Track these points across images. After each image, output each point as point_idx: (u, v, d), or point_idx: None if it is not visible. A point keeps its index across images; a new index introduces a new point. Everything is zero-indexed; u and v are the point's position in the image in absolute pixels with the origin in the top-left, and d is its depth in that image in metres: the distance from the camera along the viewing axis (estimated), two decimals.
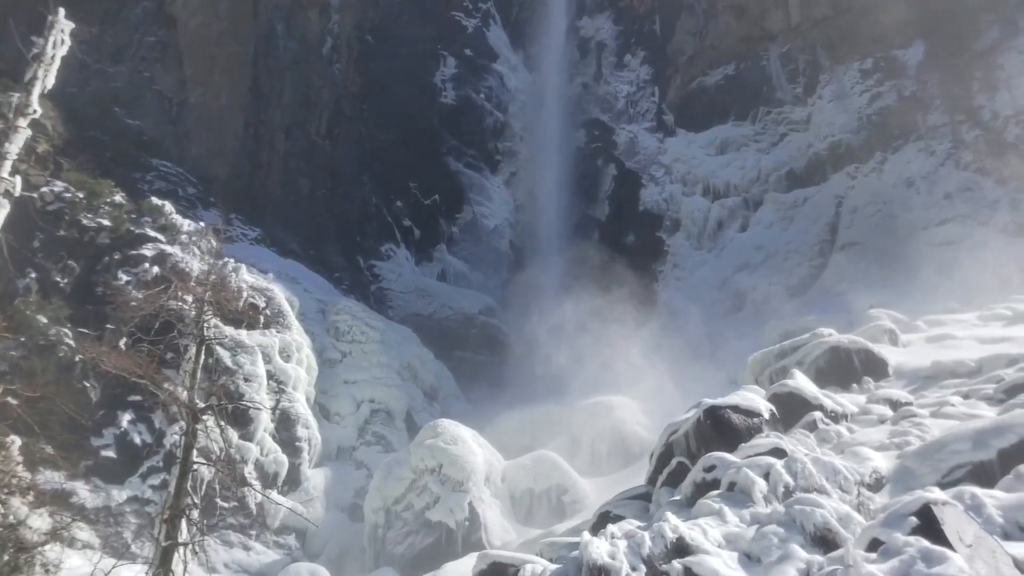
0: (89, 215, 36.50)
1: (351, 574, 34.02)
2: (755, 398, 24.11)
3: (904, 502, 9.98)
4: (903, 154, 58.51)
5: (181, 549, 11.62)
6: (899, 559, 7.78)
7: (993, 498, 11.86)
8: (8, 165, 11.17)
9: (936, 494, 10.11)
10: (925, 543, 8.05)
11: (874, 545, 9.29)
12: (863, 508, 16.13)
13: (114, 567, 10.87)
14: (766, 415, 23.09)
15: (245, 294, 38.55)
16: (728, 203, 65.03)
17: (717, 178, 66.25)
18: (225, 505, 33.44)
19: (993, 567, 8.61)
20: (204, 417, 12.81)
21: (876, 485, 17.59)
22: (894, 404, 24.72)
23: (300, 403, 39.46)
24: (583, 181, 70.14)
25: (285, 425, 38.00)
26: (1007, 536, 10.62)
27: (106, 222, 36.65)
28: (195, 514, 12.85)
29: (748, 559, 15.15)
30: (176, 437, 29.95)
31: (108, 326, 32.01)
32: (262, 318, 39.04)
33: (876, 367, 29.66)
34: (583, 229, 68.10)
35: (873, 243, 54.73)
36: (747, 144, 67.20)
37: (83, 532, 27.48)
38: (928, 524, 9.02)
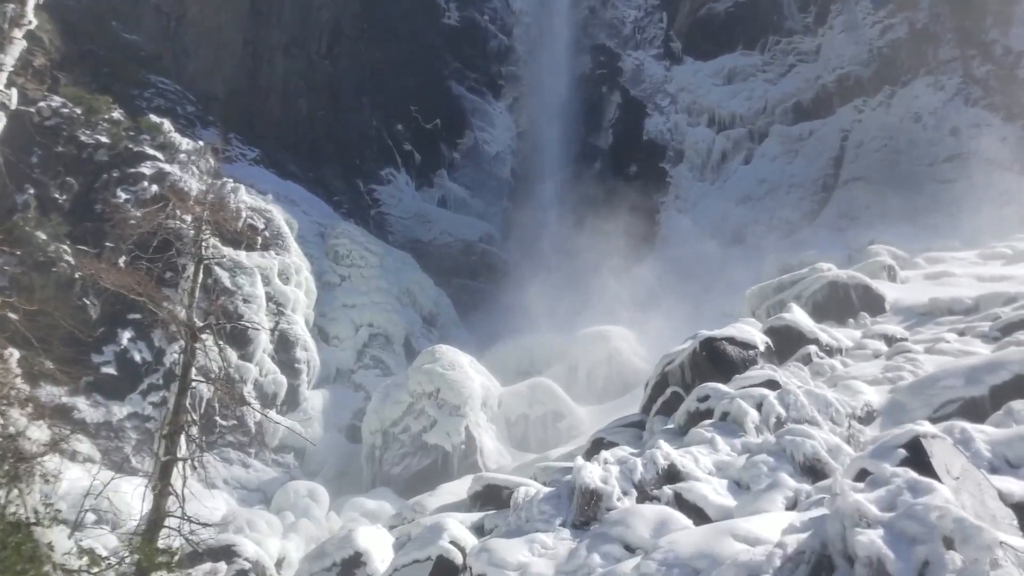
0: (87, 131, 36.08)
1: (349, 493, 34.69)
2: (751, 330, 24.22)
3: (894, 435, 10.10)
4: (912, 88, 57.71)
5: (180, 464, 11.80)
6: (886, 489, 7.90)
7: (983, 433, 12.01)
8: (4, 76, 10.97)
9: (926, 427, 10.23)
10: (912, 474, 8.16)
11: (862, 475, 9.43)
12: (853, 440, 16.37)
13: (112, 479, 11.03)
14: (761, 347, 23.22)
15: (244, 215, 38.40)
16: (733, 135, 64.41)
17: (723, 109, 65.47)
18: (224, 423, 33.91)
19: (979, 499, 8.76)
20: (203, 336, 12.86)
21: (867, 418, 17.81)
22: (889, 339, 24.90)
23: (299, 325, 39.67)
24: (587, 108, 69.21)
25: (284, 347, 38.27)
26: (994, 470, 10.79)
27: (104, 139, 36.25)
28: (194, 431, 13.02)
29: (738, 487, 15.43)
30: (176, 355, 30.22)
31: (107, 244, 31.99)
32: (260, 239, 38.99)
33: (873, 302, 29.83)
34: (585, 158, 67.50)
35: (877, 179, 54.35)
36: (755, 74, 66.22)
37: (83, 445, 27.94)
38: (916, 456, 9.15)
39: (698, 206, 61.56)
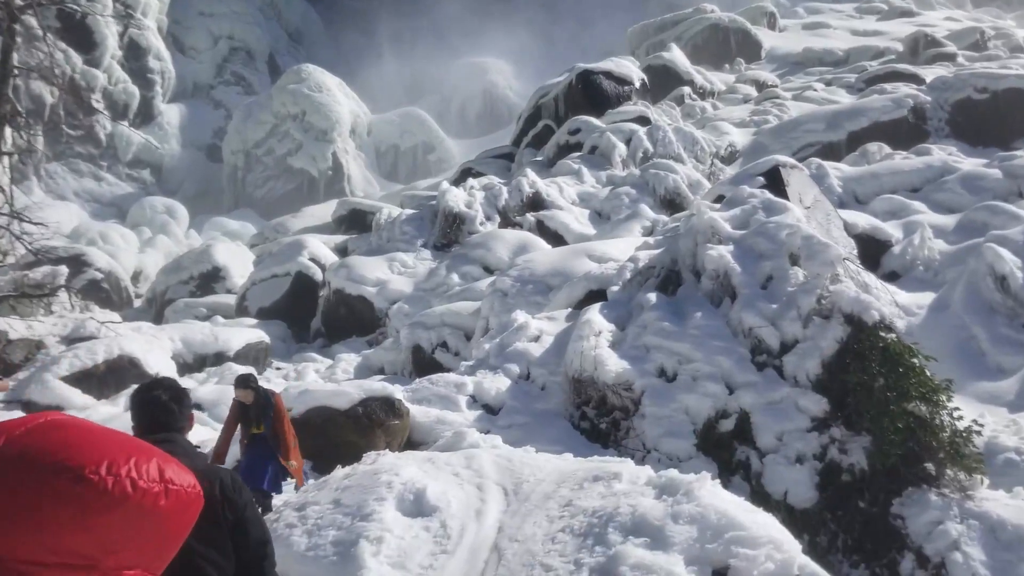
0: None
1: (209, 213, 33.81)
2: (629, 66, 24.00)
3: (755, 164, 10.22)
4: None
5: (5, 159, 10.82)
6: (741, 208, 8.01)
7: (837, 170, 12.41)
8: None
9: (785, 158, 10.38)
10: (768, 195, 8.30)
11: (721, 200, 9.58)
12: (714, 177, 16.78)
13: None
14: (637, 84, 23.12)
15: None
16: None
17: None
18: (72, 132, 31.72)
19: (824, 228, 9.08)
20: (24, 16, 11.36)
21: (730, 158, 18.25)
22: (760, 85, 25.42)
23: (151, 32, 36.39)
24: None
25: (135, 54, 35.25)
26: (843, 204, 11.25)
27: None
28: (38, 132, 11.88)
29: (599, 216, 15.75)
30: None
31: None
32: None
33: (751, 48, 30.18)
34: None
35: None
36: None
37: None
38: (774, 184, 9.32)
39: None
